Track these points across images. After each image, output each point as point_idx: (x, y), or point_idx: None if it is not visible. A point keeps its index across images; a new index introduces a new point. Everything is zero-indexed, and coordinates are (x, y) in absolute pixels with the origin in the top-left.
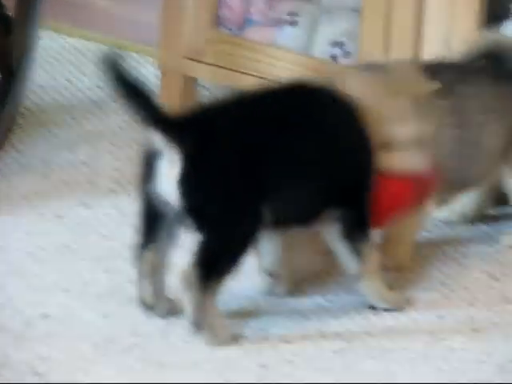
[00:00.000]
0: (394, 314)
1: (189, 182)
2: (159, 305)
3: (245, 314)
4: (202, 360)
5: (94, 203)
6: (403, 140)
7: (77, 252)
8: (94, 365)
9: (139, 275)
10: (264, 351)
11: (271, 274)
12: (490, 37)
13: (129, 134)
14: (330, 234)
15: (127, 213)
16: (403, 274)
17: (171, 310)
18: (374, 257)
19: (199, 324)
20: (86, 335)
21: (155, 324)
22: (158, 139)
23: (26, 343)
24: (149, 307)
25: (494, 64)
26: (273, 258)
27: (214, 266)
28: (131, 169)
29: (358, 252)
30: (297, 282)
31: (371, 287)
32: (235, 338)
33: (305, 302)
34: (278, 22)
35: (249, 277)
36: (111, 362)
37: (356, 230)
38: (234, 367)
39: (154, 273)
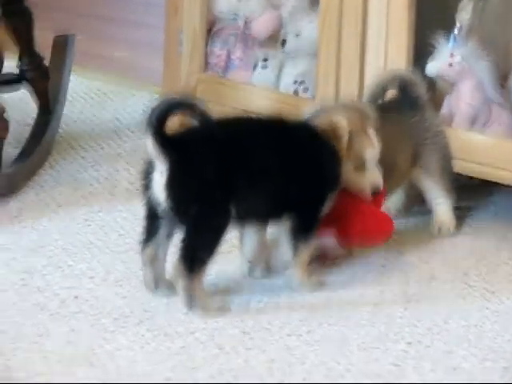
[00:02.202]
0: (346, 289)
1: (172, 186)
2: (159, 287)
3: (230, 291)
4: (197, 329)
5: (113, 209)
6: (372, 161)
7: (100, 247)
8: (114, 335)
9: (143, 264)
10: (246, 321)
11: (250, 261)
12: (394, 73)
13: (140, 155)
14: (281, 227)
15: (140, 216)
16: (351, 259)
17: (170, 291)
18: (306, 255)
19: (191, 303)
20: (107, 312)
21: (161, 302)
22: (152, 150)
23: (61, 319)
24: (151, 289)
25: (400, 96)
26: (251, 248)
27: (195, 256)
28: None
29: (295, 248)
30: (269, 266)
31: (296, 276)
32: (222, 311)
33: (277, 281)
34: (253, 66)
35: (233, 262)
36: (127, 332)
37: (301, 232)
38: (222, 334)
39: (153, 262)
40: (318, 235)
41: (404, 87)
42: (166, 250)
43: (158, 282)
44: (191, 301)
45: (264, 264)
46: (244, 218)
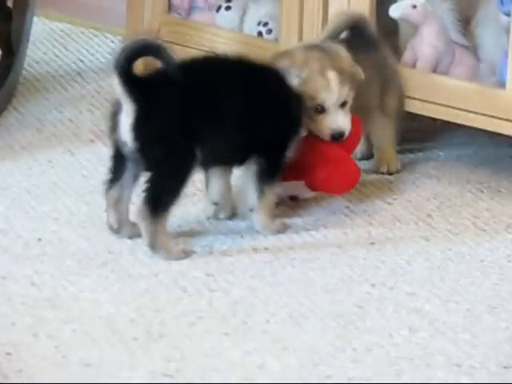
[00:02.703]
0: (309, 231)
1: (139, 128)
2: (123, 229)
3: (194, 233)
4: (161, 271)
5: (77, 151)
6: (332, 104)
7: (64, 189)
8: (78, 277)
9: (106, 206)
10: (210, 263)
11: (215, 203)
12: (350, 14)
13: (104, 96)
14: (246, 171)
15: (104, 158)
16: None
17: (134, 233)
18: (270, 198)
19: (154, 246)
20: (71, 254)
21: (125, 244)
22: (119, 92)
23: (25, 261)
24: (114, 231)
25: (355, 36)
26: (217, 190)
27: (159, 199)
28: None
29: (260, 191)
30: (234, 208)
31: (260, 218)
32: (186, 253)
33: (241, 224)
34: (216, 8)
35: (197, 205)
36: (91, 274)
37: (266, 175)
38: (186, 276)
39: (117, 204)
40: (287, 179)
41: (356, 27)
42: (131, 192)
43: (121, 225)
44: (155, 243)
45: (229, 206)
46: (209, 161)
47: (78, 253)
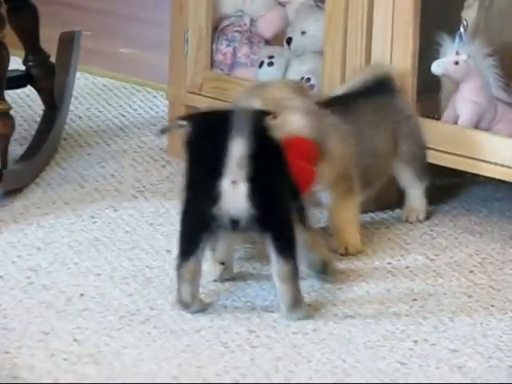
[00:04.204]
0: (352, 287)
1: (256, 195)
2: (194, 303)
3: (236, 289)
4: (203, 327)
5: (119, 206)
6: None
7: (106, 244)
8: (120, 333)
9: (180, 281)
10: (252, 319)
11: (222, 263)
12: (375, 66)
13: (146, 152)
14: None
15: (146, 214)
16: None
17: (203, 307)
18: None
19: (298, 305)
20: (114, 310)
21: (167, 300)
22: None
23: (67, 317)
24: (186, 306)
25: (376, 84)
26: (224, 249)
27: (295, 254)
28: (148, 179)
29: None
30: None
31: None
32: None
33: None
34: (259, 64)
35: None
36: (134, 330)
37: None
38: (228, 332)
39: (194, 278)
40: None
41: (377, 76)
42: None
43: (194, 299)
44: (299, 302)
45: (232, 265)
46: None
47: (120, 309)
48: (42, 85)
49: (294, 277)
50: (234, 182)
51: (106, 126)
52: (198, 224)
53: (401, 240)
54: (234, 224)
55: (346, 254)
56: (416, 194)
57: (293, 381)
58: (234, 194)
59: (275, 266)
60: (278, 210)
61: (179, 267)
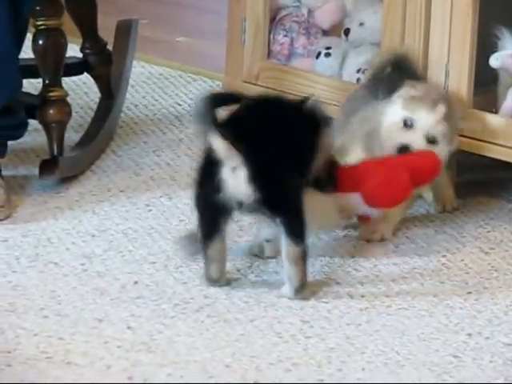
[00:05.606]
0: (406, 279)
1: (257, 178)
2: (222, 278)
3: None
4: (257, 317)
5: (174, 195)
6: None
7: (161, 233)
8: (174, 321)
9: (207, 260)
10: (306, 310)
11: (268, 240)
12: (392, 52)
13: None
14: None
15: None
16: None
17: (229, 281)
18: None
19: (304, 286)
20: (168, 298)
21: (222, 289)
22: (221, 147)
23: (121, 304)
24: (214, 282)
25: (397, 71)
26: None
27: (304, 237)
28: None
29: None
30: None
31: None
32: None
33: (338, 271)
34: (316, 54)
35: None
36: (187, 318)
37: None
38: (282, 323)
39: (221, 256)
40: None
41: (400, 64)
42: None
43: (222, 275)
44: (304, 284)
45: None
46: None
47: (174, 297)
48: (99, 72)
49: (303, 259)
50: (233, 168)
51: (162, 114)
52: (211, 208)
53: (456, 233)
54: (243, 208)
55: (443, 210)
56: (444, 183)
57: (345, 371)
58: (236, 180)
59: (285, 247)
60: (284, 193)
61: (206, 248)
